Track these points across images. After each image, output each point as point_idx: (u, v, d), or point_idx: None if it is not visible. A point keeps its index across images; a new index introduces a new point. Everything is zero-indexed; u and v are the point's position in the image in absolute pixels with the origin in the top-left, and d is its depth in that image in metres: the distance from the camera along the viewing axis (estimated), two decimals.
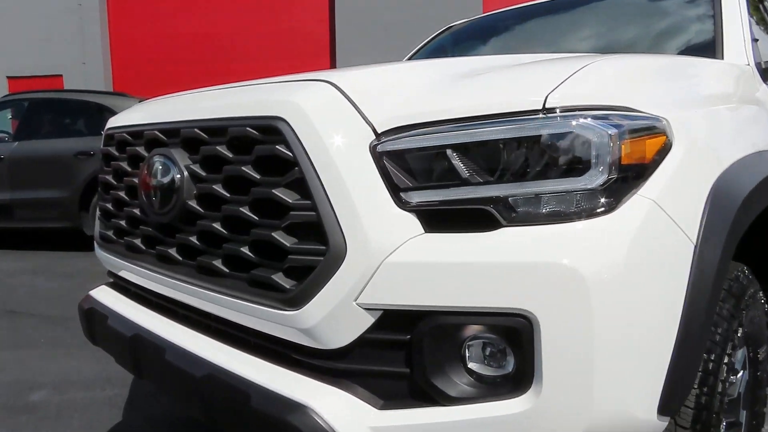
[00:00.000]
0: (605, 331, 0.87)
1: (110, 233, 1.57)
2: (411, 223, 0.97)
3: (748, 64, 1.85)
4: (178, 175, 1.22)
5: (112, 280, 1.73)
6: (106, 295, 1.62)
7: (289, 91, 1.05)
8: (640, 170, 0.97)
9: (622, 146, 0.94)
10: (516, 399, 0.91)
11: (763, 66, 1.92)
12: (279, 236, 1.02)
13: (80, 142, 5.70)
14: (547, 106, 0.94)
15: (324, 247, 0.97)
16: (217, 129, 1.16)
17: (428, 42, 3.20)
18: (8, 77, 9.25)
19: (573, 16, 2.58)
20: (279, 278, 1.03)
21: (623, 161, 0.94)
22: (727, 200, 1.07)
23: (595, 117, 0.94)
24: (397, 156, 0.99)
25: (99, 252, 1.67)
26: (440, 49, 2.98)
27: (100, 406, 2.45)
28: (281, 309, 1.02)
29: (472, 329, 0.94)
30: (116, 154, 1.53)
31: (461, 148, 0.96)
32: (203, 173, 1.19)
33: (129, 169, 1.46)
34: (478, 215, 0.95)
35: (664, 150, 1.01)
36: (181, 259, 1.27)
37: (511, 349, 0.93)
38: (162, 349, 1.24)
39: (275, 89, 1.09)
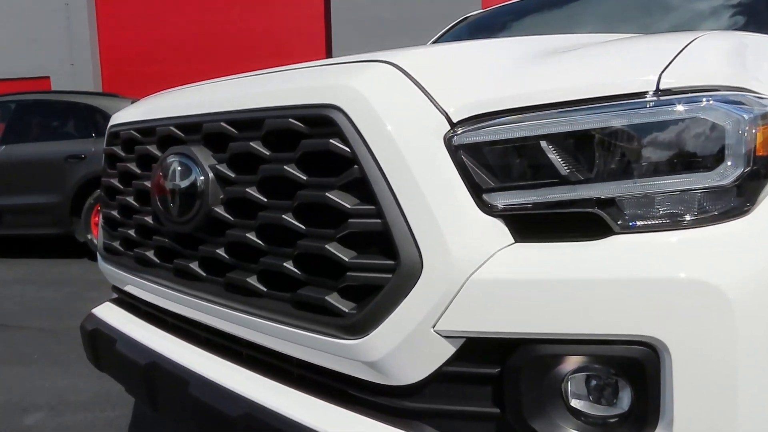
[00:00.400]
0: (753, 357, 0.71)
1: (116, 244, 1.39)
2: (498, 230, 0.80)
3: None
4: (202, 177, 1.04)
5: (116, 295, 1.55)
6: (112, 314, 1.43)
7: (344, 74, 0.87)
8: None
9: (757, 134, 0.77)
10: None
11: None
12: (334, 249, 0.84)
13: (70, 145, 5.47)
14: (661, 87, 0.77)
15: (393, 262, 0.80)
16: (250, 122, 0.98)
17: (442, 35, 3.03)
18: None
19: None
20: (334, 299, 0.85)
21: (758, 152, 0.77)
22: None
23: (722, 100, 0.77)
24: (479, 150, 0.81)
25: (103, 265, 1.48)
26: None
27: (101, 430, 2.25)
28: (338, 337, 0.84)
29: (578, 360, 0.77)
30: (122, 154, 1.34)
31: (559, 139, 0.79)
32: (232, 174, 1.01)
33: (138, 171, 1.27)
34: (582, 220, 0.78)
35: None
36: (205, 275, 1.09)
37: (629, 382, 0.75)
38: (185, 381, 1.06)
39: (326, 73, 0.91)
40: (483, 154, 0.82)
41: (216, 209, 1.03)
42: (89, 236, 5.49)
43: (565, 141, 0.79)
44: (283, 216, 0.90)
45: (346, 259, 0.83)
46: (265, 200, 0.95)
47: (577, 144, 0.79)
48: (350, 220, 0.82)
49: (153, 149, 1.21)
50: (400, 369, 0.80)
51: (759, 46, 1.01)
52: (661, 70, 0.78)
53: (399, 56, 0.88)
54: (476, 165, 0.81)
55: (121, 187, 1.34)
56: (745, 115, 0.76)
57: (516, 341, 0.77)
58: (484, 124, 0.81)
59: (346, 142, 0.83)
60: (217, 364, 1.07)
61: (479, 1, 7.96)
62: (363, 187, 0.82)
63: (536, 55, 0.91)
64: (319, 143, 0.85)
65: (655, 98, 0.77)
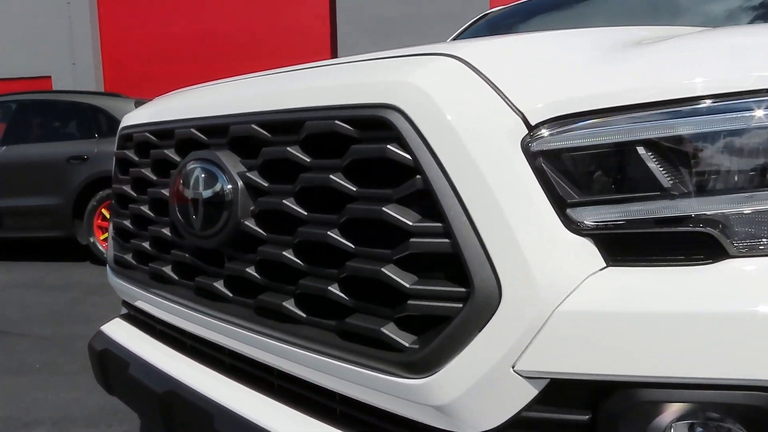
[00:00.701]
0: None
1: (128, 257, 1.27)
2: (588, 252, 0.68)
3: None
4: (230, 186, 0.92)
5: (126, 311, 1.43)
6: (123, 333, 1.31)
7: (401, 69, 0.75)
8: None
9: None
10: None
11: None
12: (392, 272, 0.72)
13: (72, 146, 5.36)
14: None
15: (465, 290, 0.68)
16: (287, 124, 0.86)
17: (461, 33, 2.90)
18: None
19: None
20: (391, 331, 0.73)
21: None
22: None
23: None
24: (563, 157, 0.69)
25: (113, 279, 1.37)
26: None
27: None
28: (396, 375, 0.72)
29: (687, 406, 0.65)
30: (135, 158, 1.22)
31: (661, 145, 0.67)
32: (265, 183, 0.89)
33: (154, 177, 1.15)
34: (688, 241, 0.66)
35: None
36: (231, 295, 0.97)
37: None
38: (209, 415, 0.94)
39: (379, 68, 0.79)
40: (568, 162, 0.70)
41: (246, 222, 0.91)
42: (91, 239, 5.37)
43: (667, 147, 0.67)
44: (329, 233, 0.78)
45: (407, 285, 0.71)
46: (305, 213, 0.83)
47: (683, 151, 0.67)
48: (412, 240, 0.70)
49: (171, 154, 1.10)
50: (474, 414, 0.68)
51: None
52: None
53: (462, 48, 0.76)
54: (560, 175, 0.69)
55: (135, 195, 1.22)
56: None
57: (612, 384, 0.65)
58: (569, 127, 0.69)
59: (406, 147, 0.71)
60: (246, 396, 0.95)
61: (487, 0, 7.84)
62: (427, 201, 0.70)
63: (617, 47, 0.79)
64: (372, 149, 0.73)
65: None
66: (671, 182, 0.66)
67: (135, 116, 1.26)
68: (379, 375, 0.73)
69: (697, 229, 0.65)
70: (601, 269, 0.67)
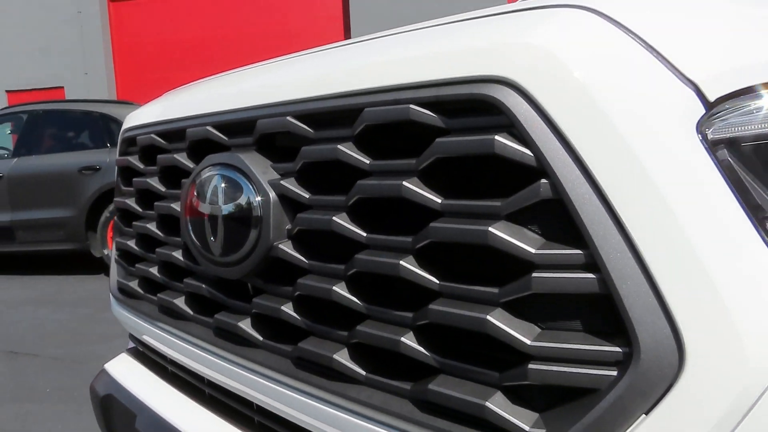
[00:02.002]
0: None
1: (134, 285, 1.05)
2: None
3: None
4: (258, 198, 0.70)
5: (133, 345, 1.22)
6: (130, 375, 1.10)
7: (512, 27, 0.52)
8: None
9: None
10: None
11: None
12: (501, 321, 0.49)
13: (85, 156, 5.22)
14: None
15: (623, 350, 0.45)
16: (336, 113, 0.63)
17: None
18: (7, 91, 8.76)
19: None
20: (500, 406, 0.50)
21: None
22: None
23: None
24: (758, 147, 0.46)
25: (117, 310, 1.15)
26: None
27: None
28: None
29: None
30: (141, 166, 1.01)
31: None
32: (307, 195, 0.67)
33: (163, 188, 0.94)
34: None
35: None
36: (262, 339, 0.75)
37: None
38: None
39: (476, 28, 0.57)
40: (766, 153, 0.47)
41: (281, 246, 0.69)
42: (105, 251, 5.23)
43: None
44: (402, 262, 0.55)
45: (528, 342, 0.48)
46: (365, 235, 0.60)
47: None
48: (535, 275, 0.47)
49: (182, 159, 0.88)
50: None
51: None
52: None
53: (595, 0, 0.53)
54: (755, 173, 0.46)
55: (140, 211, 1.01)
56: None
57: None
58: (752, 98, 0.46)
59: (525, 140, 0.48)
60: None
61: None
62: (559, 218, 0.47)
63: None
64: (473, 144, 0.50)
65: None
66: None
67: (139, 115, 1.05)
68: None
69: None
70: None
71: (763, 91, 0.47)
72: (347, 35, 8.32)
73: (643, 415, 0.44)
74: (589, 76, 0.47)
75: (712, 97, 0.47)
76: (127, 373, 1.11)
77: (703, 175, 0.45)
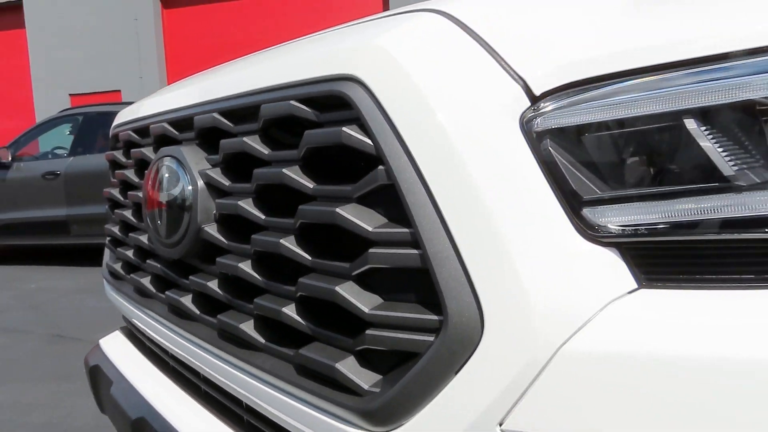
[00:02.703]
0: None
1: (118, 267, 1.17)
2: (612, 267, 0.48)
3: None
4: (190, 187, 0.79)
5: (125, 324, 1.34)
6: (116, 348, 1.22)
7: (369, 31, 0.59)
8: None
9: None
10: None
11: None
12: (348, 292, 0.56)
13: None
14: None
15: (437, 318, 0.50)
16: (246, 110, 0.72)
17: None
18: (70, 95, 9.39)
19: None
20: (348, 368, 0.56)
21: None
22: None
23: None
24: (579, 137, 0.51)
25: (108, 292, 1.28)
26: None
27: None
28: (353, 425, 0.55)
29: None
30: (123, 159, 1.13)
31: (723, 115, 0.47)
32: (226, 182, 0.75)
33: (136, 179, 1.05)
34: (753, 254, 0.46)
35: None
36: (198, 313, 0.84)
37: None
38: None
39: (347, 33, 0.64)
40: (587, 144, 0.51)
41: (206, 228, 0.77)
42: None
43: (732, 118, 0.47)
44: (281, 241, 0.63)
45: (366, 310, 0.54)
46: (263, 217, 0.68)
47: (755, 123, 0.46)
48: (371, 250, 0.54)
49: (148, 153, 0.98)
50: None
51: None
52: None
53: (452, 3, 0.58)
54: (574, 162, 0.50)
55: (122, 199, 1.13)
56: None
57: None
58: (587, 95, 0.51)
59: (366, 130, 0.54)
60: (213, 430, 0.81)
61: None
62: (392, 200, 0.53)
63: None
64: (327, 135, 0.57)
65: None
66: (736, 168, 0.46)
67: (124, 114, 1.17)
68: (335, 423, 0.57)
69: None
70: (630, 292, 0.48)
71: (587, 86, 0.51)
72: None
73: (453, 374, 0.50)
74: (422, 74, 0.53)
75: (537, 92, 0.52)
76: (114, 347, 1.23)
77: (520, 163, 0.50)
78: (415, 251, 0.51)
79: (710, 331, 0.43)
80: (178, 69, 9.39)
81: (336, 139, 0.56)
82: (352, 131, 0.55)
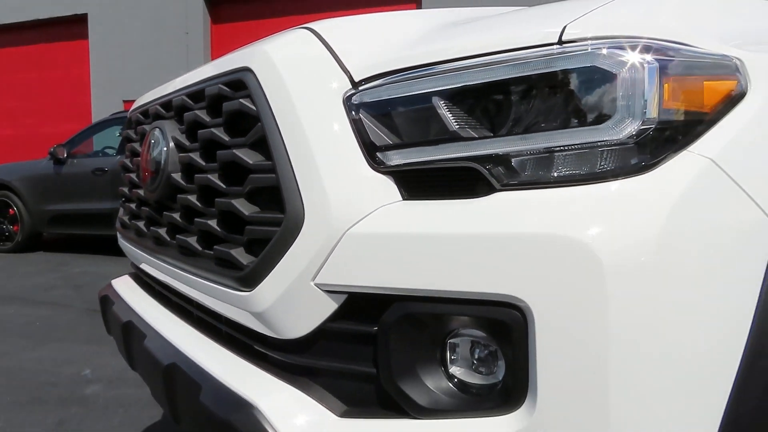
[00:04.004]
0: (628, 330, 0.63)
1: (126, 218, 1.53)
2: (387, 187, 0.79)
3: None
4: (165, 148, 1.13)
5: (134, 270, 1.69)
6: (122, 284, 1.57)
7: (264, 40, 0.92)
8: (695, 121, 0.71)
9: (666, 87, 0.70)
10: (504, 416, 0.68)
11: None
12: (239, 204, 0.88)
13: None
14: (564, 38, 0.72)
15: (281, 215, 0.81)
16: (198, 93, 1.05)
17: None
18: (124, 100, 10.17)
19: None
20: (238, 253, 0.88)
21: (666, 106, 0.70)
22: None
23: (628, 48, 0.70)
24: (376, 108, 0.81)
25: (120, 241, 1.64)
26: None
27: (144, 405, 2.44)
28: (237, 289, 0.87)
29: (454, 322, 0.73)
30: (133, 135, 1.49)
31: (451, 95, 0.76)
32: (187, 142, 1.09)
33: (137, 148, 1.40)
34: (472, 178, 0.75)
35: (734, 98, 0.74)
36: (169, 239, 1.17)
37: (502, 350, 0.70)
38: (143, 335, 1.14)
39: (255, 44, 0.97)
40: (381, 112, 0.81)
41: (173, 176, 1.11)
42: None
43: (458, 96, 0.76)
44: (209, 176, 0.95)
45: (246, 214, 0.86)
46: (204, 164, 1.01)
47: (471, 99, 0.76)
48: (251, 176, 0.86)
49: (148, 127, 1.33)
50: (285, 322, 0.81)
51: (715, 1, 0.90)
52: (568, 22, 0.74)
53: (321, 23, 0.90)
54: (374, 123, 0.81)
55: (130, 165, 1.48)
56: (647, 66, 0.69)
57: (390, 298, 0.74)
58: (381, 81, 0.81)
59: (252, 101, 0.87)
60: (172, 323, 1.14)
61: None
62: (265, 145, 0.85)
63: (453, 23, 0.89)
64: (233, 104, 0.90)
65: (550, 49, 0.72)
66: (457, 127, 0.76)
67: (137, 102, 1.53)
68: (229, 290, 0.88)
69: (471, 166, 0.74)
70: (396, 201, 0.78)
71: (384, 77, 0.82)
72: None
73: (287, 250, 0.80)
74: (286, 66, 0.85)
75: (357, 79, 0.83)
76: (121, 283, 1.58)
77: (337, 123, 0.81)
78: (273, 175, 0.83)
79: (422, 221, 0.73)
80: None
81: (238, 107, 0.88)
82: (246, 101, 0.87)
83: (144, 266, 1.38)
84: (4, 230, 6.90)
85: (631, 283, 0.63)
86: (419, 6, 8.86)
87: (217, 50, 10.21)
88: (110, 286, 1.59)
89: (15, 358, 3.09)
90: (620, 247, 0.63)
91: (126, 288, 1.50)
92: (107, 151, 6.78)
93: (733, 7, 0.92)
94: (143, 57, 10.28)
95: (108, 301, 1.51)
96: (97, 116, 10.14)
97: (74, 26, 11.13)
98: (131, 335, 1.22)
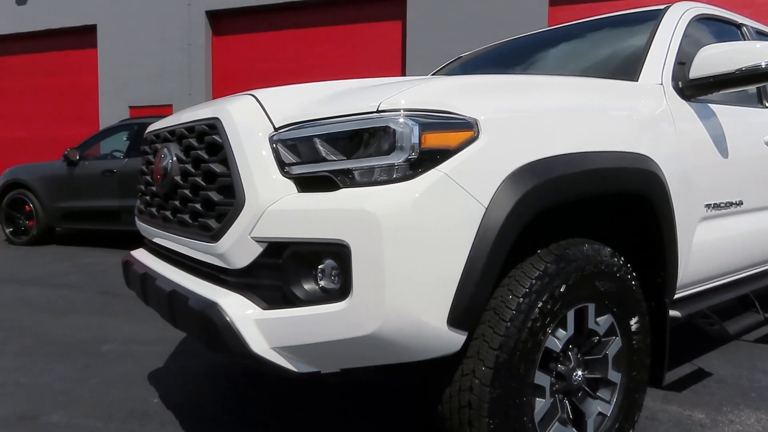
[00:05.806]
0: (394, 257, 1.31)
1: (143, 206, 2.21)
2: (289, 186, 1.47)
3: (661, 84, 2.15)
4: (171, 160, 1.81)
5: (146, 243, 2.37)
6: (139, 252, 2.25)
7: (227, 100, 1.61)
8: (442, 153, 1.39)
9: (423, 136, 1.38)
10: (340, 303, 1.36)
11: (687, 85, 2.20)
12: (213, 195, 1.56)
13: None
14: (380, 108, 1.41)
15: (233, 200, 1.49)
16: (191, 127, 1.74)
17: (438, 70, 3.67)
18: (130, 107, 10.93)
19: (545, 46, 2.96)
20: (212, 222, 1.56)
21: (423, 145, 1.38)
22: (522, 182, 1.45)
23: (406, 116, 1.39)
24: (286, 142, 1.50)
25: (137, 222, 2.32)
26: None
27: (150, 357, 3.11)
28: (209, 242, 1.55)
29: (318, 255, 1.42)
30: (148, 150, 2.17)
31: (322, 137, 1.45)
32: (184, 157, 1.77)
33: (152, 159, 2.09)
34: (330, 181, 1.43)
35: (469, 140, 1.43)
36: (172, 217, 1.85)
37: (340, 268, 1.38)
38: (154, 278, 1.82)
39: (222, 101, 1.66)
40: (288, 144, 1.49)
41: (176, 178, 1.79)
42: None
43: (326, 138, 1.45)
44: (196, 179, 1.64)
45: (215, 200, 1.54)
46: (194, 171, 1.69)
47: (331, 140, 1.44)
48: (219, 179, 1.54)
49: (159, 146, 2.02)
50: (235, 259, 1.50)
51: (487, 84, 1.60)
52: (383, 99, 1.42)
53: (260, 91, 1.59)
54: (284, 151, 1.49)
55: (146, 170, 2.17)
56: (411, 124, 1.37)
57: (287, 243, 1.42)
58: (290, 128, 1.50)
59: (220, 137, 1.55)
60: (171, 270, 1.83)
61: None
62: (226, 161, 1.54)
63: (335, 92, 1.57)
64: (210, 138, 1.59)
65: (371, 115, 1.40)
66: (324, 154, 1.44)
67: (151, 127, 2.22)
68: (205, 243, 1.57)
69: (329, 175, 1.42)
70: (293, 193, 1.46)
71: (291, 126, 1.50)
72: (403, 66, 9.52)
73: (236, 219, 1.48)
74: (238, 118, 1.53)
75: (277, 126, 1.52)
76: (137, 252, 2.26)
77: (265, 151, 1.50)
78: (230, 178, 1.51)
79: (307, 204, 1.41)
80: (222, 88, 10.79)
81: (212, 140, 1.57)
82: (216, 137, 1.56)
83: (156, 239, 2.06)
84: (21, 225, 7.60)
85: (394, 232, 1.31)
86: (404, 23, 9.58)
87: (218, 60, 10.95)
88: (129, 254, 2.28)
89: (43, 326, 3.77)
90: (391, 213, 1.31)
91: (141, 254, 2.18)
92: (115, 154, 7.47)
93: (506, 88, 1.60)
94: (148, 66, 11.03)
95: (129, 264, 2.19)
96: (104, 121, 10.88)
97: (84, 36, 11.90)
98: (146, 280, 1.90)
